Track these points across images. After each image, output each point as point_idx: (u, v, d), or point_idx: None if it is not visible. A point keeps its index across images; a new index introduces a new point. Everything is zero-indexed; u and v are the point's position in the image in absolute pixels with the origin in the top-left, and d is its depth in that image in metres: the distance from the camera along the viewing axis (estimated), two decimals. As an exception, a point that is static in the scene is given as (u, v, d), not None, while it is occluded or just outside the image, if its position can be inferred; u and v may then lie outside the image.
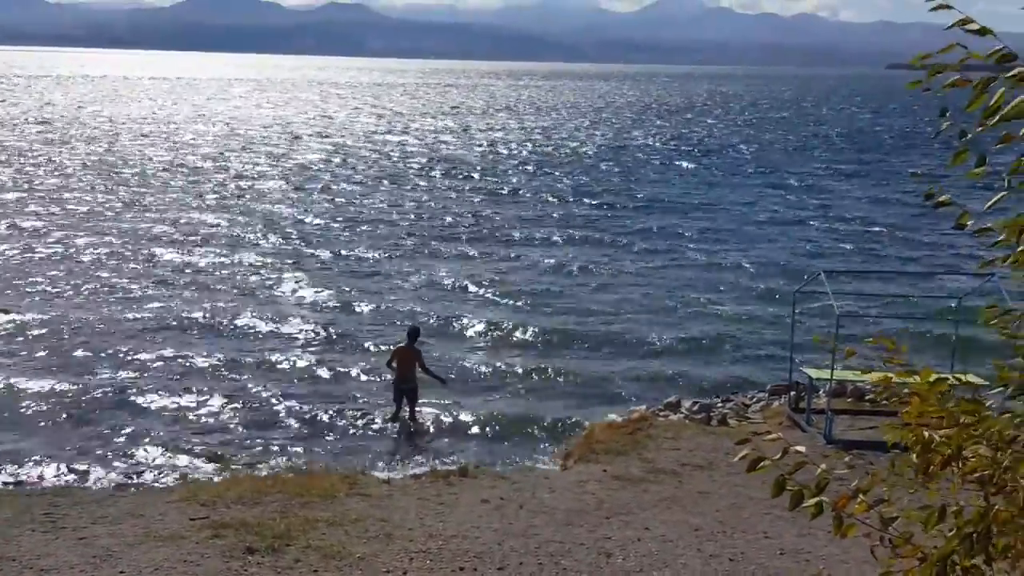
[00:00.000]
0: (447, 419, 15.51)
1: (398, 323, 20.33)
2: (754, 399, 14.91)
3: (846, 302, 17.42)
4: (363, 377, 17.34)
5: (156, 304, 21.70)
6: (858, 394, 14.13)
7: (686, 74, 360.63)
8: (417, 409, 15.31)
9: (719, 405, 14.47)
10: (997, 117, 2.89)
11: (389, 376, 15.52)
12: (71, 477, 12.80)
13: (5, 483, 12.37)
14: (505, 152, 58.51)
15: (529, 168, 50.60)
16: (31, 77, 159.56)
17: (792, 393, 13.79)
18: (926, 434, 3.35)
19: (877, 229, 33.73)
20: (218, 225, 31.83)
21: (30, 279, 23.60)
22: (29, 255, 26.30)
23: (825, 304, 18.79)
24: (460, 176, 46.65)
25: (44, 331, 19.37)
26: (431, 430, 15.17)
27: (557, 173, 48.64)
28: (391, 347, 16.27)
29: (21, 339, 18.89)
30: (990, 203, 3.17)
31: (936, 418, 3.37)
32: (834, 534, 3.14)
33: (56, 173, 42.70)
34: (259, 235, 30.16)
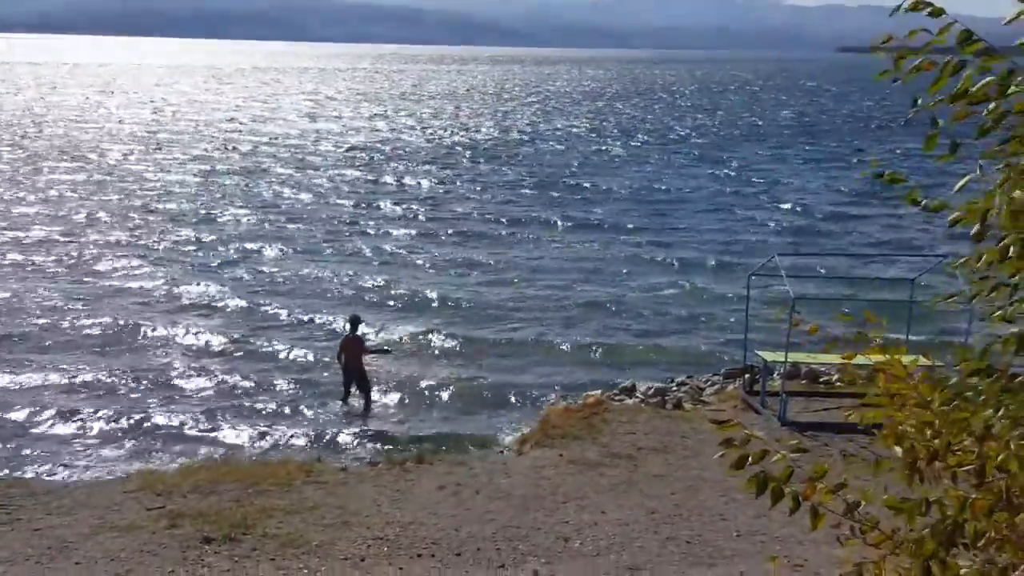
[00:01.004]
0: (402, 403, 15.58)
1: (323, 316, 20.15)
2: (708, 382, 15.00)
3: (801, 285, 17.57)
4: (305, 369, 17.21)
5: (91, 293, 21.45)
6: (812, 376, 14.29)
7: (638, 59, 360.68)
8: (373, 399, 15.38)
9: (674, 389, 14.54)
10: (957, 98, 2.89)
11: (338, 366, 15.51)
12: (25, 468, 12.60)
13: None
14: (438, 140, 57.14)
15: (466, 156, 49.66)
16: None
17: (746, 376, 13.90)
18: (909, 427, 3.32)
19: (827, 211, 34.01)
20: (133, 219, 31.23)
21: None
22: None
23: (780, 287, 18.98)
24: (384, 166, 45.14)
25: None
26: (386, 415, 15.15)
27: (498, 161, 47.68)
28: (337, 341, 16.17)
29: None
30: (959, 185, 3.18)
31: (917, 405, 3.35)
32: (811, 528, 3.14)
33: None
34: (167, 229, 28.97)
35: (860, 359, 3.77)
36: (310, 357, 17.63)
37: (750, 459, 3.19)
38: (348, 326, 15.60)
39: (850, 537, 3.26)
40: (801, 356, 13.63)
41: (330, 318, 19.86)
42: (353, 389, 15.34)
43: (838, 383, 14.21)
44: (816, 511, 3.15)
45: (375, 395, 15.50)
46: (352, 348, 15.17)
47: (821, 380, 14.27)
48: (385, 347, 16.76)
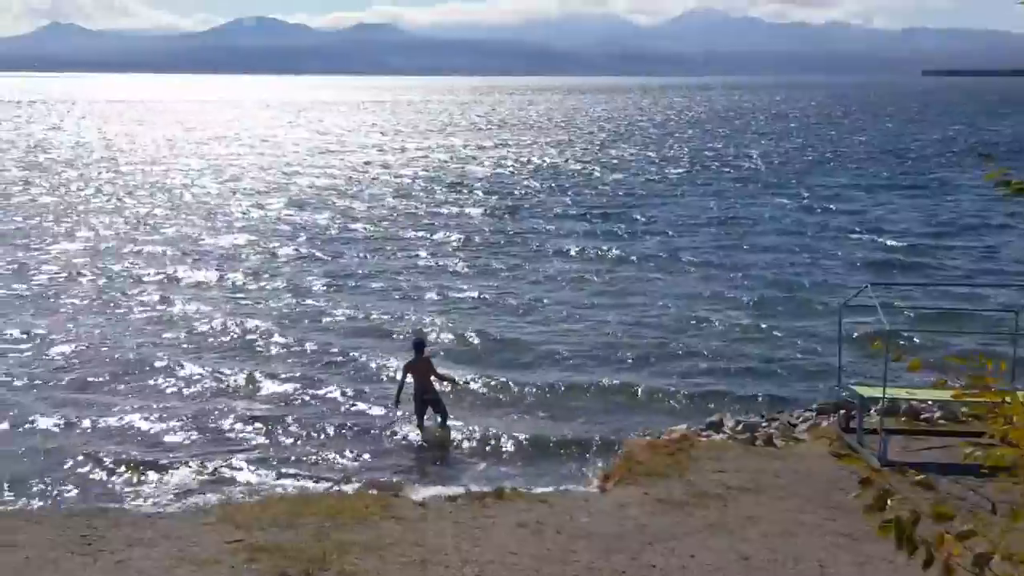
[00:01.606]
0: (478, 435, 15.07)
1: (397, 337, 20.09)
2: (800, 418, 14.34)
3: (894, 317, 16.84)
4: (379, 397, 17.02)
5: (158, 324, 21.68)
6: (912, 413, 13.61)
7: (713, 85, 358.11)
8: (449, 422, 15.11)
9: (764, 424, 13.93)
10: None
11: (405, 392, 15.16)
12: (108, 499, 12.56)
13: (42, 504, 12.20)
14: (501, 170, 56.22)
15: (535, 184, 48.83)
16: (55, 102, 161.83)
17: (842, 412, 13.28)
18: None
19: (911, 243, 32.62)
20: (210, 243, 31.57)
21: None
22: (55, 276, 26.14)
23: (865, 320, 18.27)
24: (443, 196, 44.37)
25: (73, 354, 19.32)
26: (463, 445, 14.82)
27: (562, 192, 46.35)
28: (400, 365, 16.02)
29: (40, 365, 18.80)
30: None
31: None
32: None
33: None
34: (228, 263, 29.02)
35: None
36: (381, 389, 17.25)
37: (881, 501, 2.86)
38: (413, 350, 15.28)
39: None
40: (900, 392, 12.99)
41: (393, 353, 19.38)
42: (427, 415, 15.05)
43: (940, 420, 13.60)
44: (949, 568, 2.78)
45: (451, 420, 15.24)
46: (421, 371, 14.92)
47: (923, 417, 13.60)
48: (453, 377, 16.28)
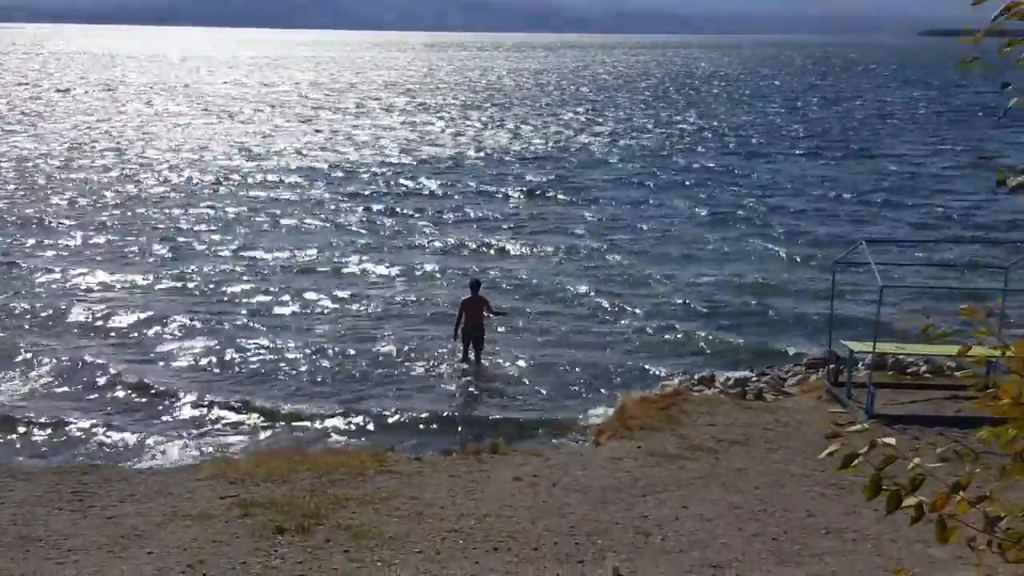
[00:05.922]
0: (475, 389, 15.47)
1: (399, 296, 20.35)
2: (790, 372, 14.53)
3: (889, 273, 16.93)
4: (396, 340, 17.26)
5: (163, 271, 22.04)
6: (899, 367, 13.77)
7: (700, 44, 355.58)
8: (484, 359, 16.30)
9: (754, 379, 14.08)
10: None
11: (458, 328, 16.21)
12: (100, 454, 12.66)
13: (33, 458, 12.26)
14: (504, 139, 56.12)
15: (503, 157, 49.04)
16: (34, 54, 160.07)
17: (831, 366, 13.42)
18: None
19: (910, 202, 32.83)
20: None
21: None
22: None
23: (867, 274, 18.38)
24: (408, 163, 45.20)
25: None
26: (456, 400, 15.06)
27: (554, 157, 47.14)
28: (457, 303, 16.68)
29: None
30: None
31: None
32: (937, 539, 2.80)
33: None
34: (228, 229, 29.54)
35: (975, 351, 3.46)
36: (378, 341, 17.59)
37: (877, 467, 2.85)
38: (469, 289, 16.42)
39: (983, 549, 2.92)
40: (889, 346, 13.13)
41: (406, 296, 20.24)
42: (470, 345, 16.21)
43: (927, 375, 13.77)
44: (944, 522, 2.80)
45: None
46: (475, 308, 16.04)
47: (909, 371, 13.75)
48: (504, 309, 17.46)
